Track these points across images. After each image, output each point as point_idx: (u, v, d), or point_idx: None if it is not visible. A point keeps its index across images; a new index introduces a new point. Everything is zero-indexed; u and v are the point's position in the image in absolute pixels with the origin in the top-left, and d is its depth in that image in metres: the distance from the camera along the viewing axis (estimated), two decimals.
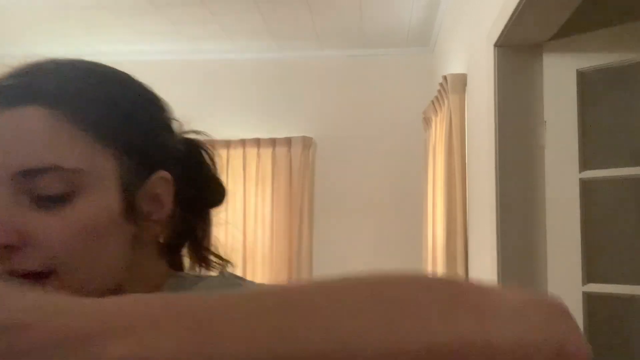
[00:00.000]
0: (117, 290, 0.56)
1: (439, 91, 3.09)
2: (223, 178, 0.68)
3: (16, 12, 3.99)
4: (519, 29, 1.86)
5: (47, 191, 0.51)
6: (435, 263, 3.29)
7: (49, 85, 0.53)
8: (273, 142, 4.58)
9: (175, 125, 0.66)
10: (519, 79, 1.99)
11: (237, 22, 4.13)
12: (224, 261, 0.67)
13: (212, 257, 0.67)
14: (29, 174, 0.51)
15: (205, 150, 0.67)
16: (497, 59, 2.01)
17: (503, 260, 1.97)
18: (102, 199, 0.54)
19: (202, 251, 0.66)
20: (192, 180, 0.64)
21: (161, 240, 0.63)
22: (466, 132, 2.73)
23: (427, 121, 3.81)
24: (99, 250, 0.54)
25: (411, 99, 4.49)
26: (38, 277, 0.51)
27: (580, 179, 1.88)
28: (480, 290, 0.35)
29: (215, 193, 0.68)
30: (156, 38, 4.47)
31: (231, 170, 4.62)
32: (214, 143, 0.69)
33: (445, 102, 2.93)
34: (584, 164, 1.89)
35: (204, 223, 0.67)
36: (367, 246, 4.48)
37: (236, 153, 4.62)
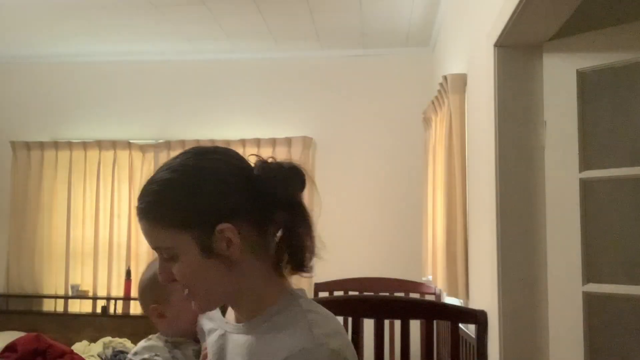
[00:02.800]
0: (235, 303, 1.02)
1: (439, 91, 3.09)
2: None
3: (16, 12, 3.99)
4: (519, 29, 1.86)
5: (164, 255, 0.97)
6: (435, 263, 3.30)
7: (146, 208, 0.96)
8: (273, 142, 4.58)
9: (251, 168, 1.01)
10: (519, 79, 2.00)
11: (237, 22, 4.13)
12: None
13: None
14: (155, 248, 0.97)
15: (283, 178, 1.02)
16: (497, 59, 2.01)
17: (503, 260, 1.97)
18: (189, 254, 0.95)
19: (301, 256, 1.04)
20: (268, 206, 1.00)
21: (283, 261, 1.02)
22: (466, 132, 2.73)
23: (427, 121, 3.81)
24: (204, 280, 0.96)
25: (411, 99, 4.50)
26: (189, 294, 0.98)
27: (580, 179, 1.88)
28: None
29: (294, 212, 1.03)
30: (156, 38, 4.47)
31: None
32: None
33: (445, 102, 2.93)
34: (584, 164, 1.89)
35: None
36: (367, 246, 4.48)
37: None
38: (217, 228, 0.93)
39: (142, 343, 1.42)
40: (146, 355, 1.38)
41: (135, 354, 1.39)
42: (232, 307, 1.05)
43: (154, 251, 0.97)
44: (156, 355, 1.38)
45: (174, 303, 1.38)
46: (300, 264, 1.01)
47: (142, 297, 1.44)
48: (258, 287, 0.99)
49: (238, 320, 1.03)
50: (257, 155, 1.02)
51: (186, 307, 1.20)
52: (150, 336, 1.45)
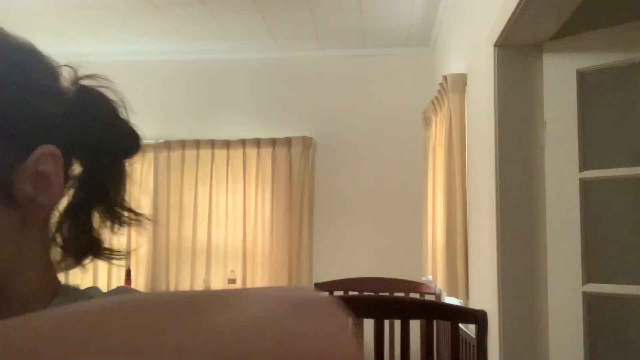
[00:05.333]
0: (2, 288, 0.50)
1: (439, 91, 3.09)
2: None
3: (16, 12, 3.99)
4: (519, 29, 1.86)
5: None
6: (435, 263, 3.30)
7: None
8: (273, 142, 4.58)
9: (62, 76, 0.58)
10: (519, 79, 2.00)
11: (237, 22, 4.13)
12: (138, 215, 0.61)
13: (125, 214, 0.60)
14: None
15: (102, 95, 0.59)
16: (497, 59, 2.01)
17: (503, 260, 1.97)
18: None
19: (115, 207, 0.60)
20: (92, 133, 0.57)
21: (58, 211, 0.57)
22: (466, 132, 2.73)
23: (427, 121, 3.81)
24: None
25: (411, 99, 4.50)
26: None
27: (580, 179, 1.89)
28: (228, 297, 0.30)
29: (123, 140, 0.61)
30: (156, 38, 4.47)
31: (231, 170, 4.62)
32: (116, 90, 0.61)
33: (445, 102, 2.93)
34: (584, 164, 1.89)
35: (115, 176, 0.60)
36: (367, 246, 4.48)
37: (236, 153, 4.62)
38: (39, 150, 0.51)
39: None
40: None
41: None
42: None
43: None
44: None
45: None
46: (84, 251, 0.58)
47: None
48: (37, 278, 0.54)
49: None
50: (69, 66, 0.60)
51: None
52: None
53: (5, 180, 0.49)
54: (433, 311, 2.19)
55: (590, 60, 1.89)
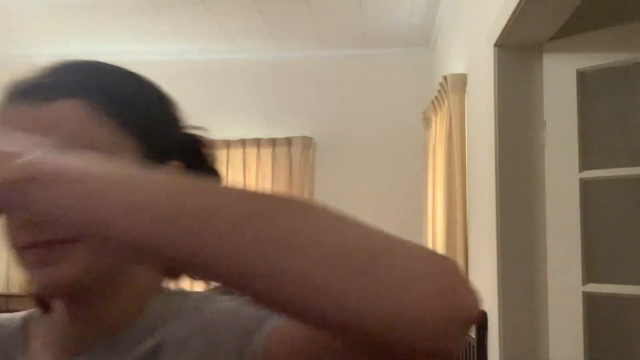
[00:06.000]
0: (121, 272, 0.63)
1: (439, 91, 3.09)
2: (222, 177, 0.74)
3: (16, 12, 3.99)
4: (519, 29, 1.86)
5: None
6: None
7: (81, 81, 0.60)
8: (273, 142, 4.58)
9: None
10: (519, 79, 2.00)
11: (237, 22, 4.13)
12: None
13: None
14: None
15: (204, 143, 0.73)
16: (497, 59, 2.01)
17: (503, 260, 1.97)
18: None
19: None
20: (193, 172, 0.68)
21: None
22: (466, 132, 2.73)
23: (427, 121, 3.81)
24: None
25: (411, 99, 4.49)
26: (63, 243, 0.56)
27: (580, 179, 1.89)
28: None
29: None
30: (156, 38, 4.47)
31: (231, 170, 4.62)
32: (213, 141, 0.74)
33: (445, 102, 2.93)
34: (584, 164, 1.89)
35: None
36: None
37: (236, 153, 4.62)
38: (172, 162, 0.64)
39: None
40: None
41: None
42: (81, 314, 0.64)
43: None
44: None
45: None
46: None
47: None
48: (146, 276, 0.68)
49: (75, 352, 0.64)
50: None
51: None
52: None
53: None
54: None
55: (590, 60, 1.89)
